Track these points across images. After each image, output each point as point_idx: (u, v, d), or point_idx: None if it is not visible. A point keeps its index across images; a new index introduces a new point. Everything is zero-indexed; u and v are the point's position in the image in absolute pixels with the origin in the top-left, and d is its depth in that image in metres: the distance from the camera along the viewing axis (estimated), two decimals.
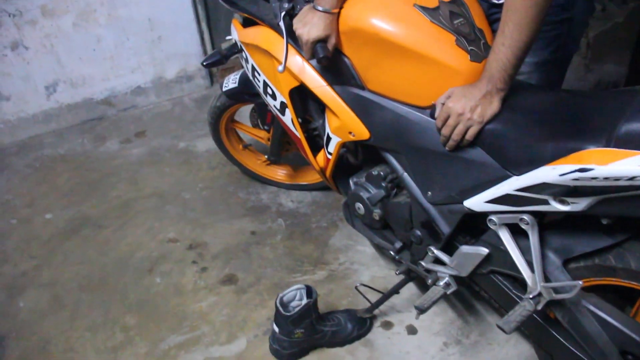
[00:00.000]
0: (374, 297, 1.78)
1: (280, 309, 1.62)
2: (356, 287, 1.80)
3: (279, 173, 2.50)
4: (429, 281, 1.60)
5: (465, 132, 1.26)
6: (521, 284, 1.37)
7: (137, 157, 2.81)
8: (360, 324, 1.79)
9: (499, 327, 1.28)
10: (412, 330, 1.81)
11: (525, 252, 1.29)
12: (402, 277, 1.74)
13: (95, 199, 2.52)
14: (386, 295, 1.76)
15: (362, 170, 1.76)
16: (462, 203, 1.36)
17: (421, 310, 1.50)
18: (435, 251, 1.54)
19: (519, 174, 1.18)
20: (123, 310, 1.95)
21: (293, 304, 1.68)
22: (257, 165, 2.51)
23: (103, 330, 1.88)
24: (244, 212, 2.40)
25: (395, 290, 1.75)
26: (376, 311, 1.83)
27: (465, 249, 1.45)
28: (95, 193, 2.56)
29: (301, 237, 2.24)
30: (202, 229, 2.30)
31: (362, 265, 2.07)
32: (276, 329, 1.69)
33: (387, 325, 1.84)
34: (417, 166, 1.47)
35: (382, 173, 1.63)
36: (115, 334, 1.86)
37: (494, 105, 1.23)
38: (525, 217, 1.22)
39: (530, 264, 1.28)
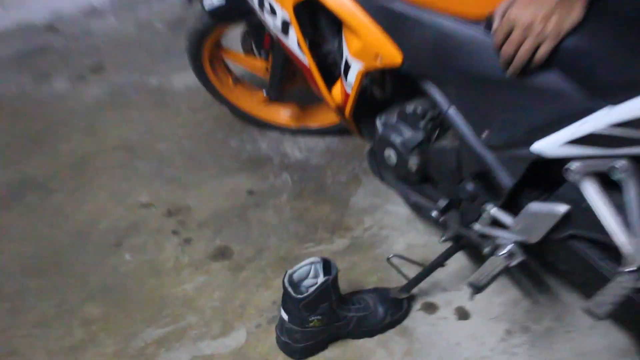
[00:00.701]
0: (411, 271, 1.78)
1: (290, 290, 1.62)
2: (388, 259, 1.80)
3: (282, 114, 2.52)
4: (486, 250, 1.59)
5: (535, 51, 1.22)
6: (614, 253, 1.32)
7: (94, 100, 2.83)
8: (394, 307, 1.80)
9: (586, 310, 1.25)
10: (463, 315, 1.82)
11: (619, 211, 1.25)
12: (448, 245, 1.73)
13: (42, 156, 2.53)
14: (428, 269, 1.75)
15: (393, 106, 1.74)
16: (530, 146, 1.32)
17: (476, 289, 1.49)
18: (494, 210, 1.52)
19: (613, 103, 1.13)
20: (83, 299, 1.95)
21: (306, 283, 1.69)
22: (253, 105, 2.52)
23: (57, 325, 1.89)
24: (237, 165, 2.41)
25: (440, 262, 1.75)
26: (415, 290, 1.83)
27: (534, 206, 1.42)
28: (41, 148, 2.57)
29: (314, 196, 2.25)
30: (184, 190, 2.32)
31: (394, 231, 2.09)
32: (285, 317, 1.69)
33: (430, 308, 1.85)
34: (468, 99, 1.45)
35: (419, 110, 1.62)
36: (72, 330, 1.87)
37: (575, 13, 1.19)
38: (620, 163, 1.17)
39: (628, 226, 1.23)
